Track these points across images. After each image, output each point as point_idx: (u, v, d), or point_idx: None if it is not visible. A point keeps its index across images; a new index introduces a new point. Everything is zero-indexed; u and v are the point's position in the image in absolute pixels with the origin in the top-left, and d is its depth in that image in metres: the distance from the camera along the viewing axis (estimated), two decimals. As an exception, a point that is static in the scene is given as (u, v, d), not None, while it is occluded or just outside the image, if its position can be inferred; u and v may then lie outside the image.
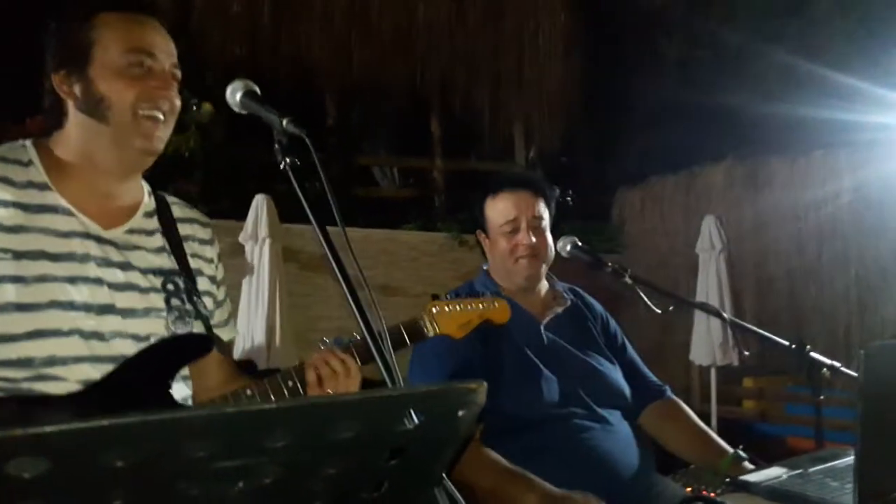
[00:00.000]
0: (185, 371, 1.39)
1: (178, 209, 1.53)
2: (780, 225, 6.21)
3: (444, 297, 1.77)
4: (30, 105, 1.60)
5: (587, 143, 8.67)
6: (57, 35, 1.38)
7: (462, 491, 1.10)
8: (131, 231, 1.40)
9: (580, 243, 2.10)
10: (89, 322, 1.28)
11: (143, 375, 1.29)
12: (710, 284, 5.91)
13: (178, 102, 1.40)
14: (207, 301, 1.48)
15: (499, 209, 2.15)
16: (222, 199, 5.80)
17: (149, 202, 1.47)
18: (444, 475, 0.76)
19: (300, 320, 5.26)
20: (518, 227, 2.11)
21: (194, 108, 6.01)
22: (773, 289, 6.33)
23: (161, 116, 1.36)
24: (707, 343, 5.83)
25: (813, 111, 5.93)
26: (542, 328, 2.13)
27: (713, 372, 6.01)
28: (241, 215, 4.84)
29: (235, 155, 5.96)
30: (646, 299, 1.92)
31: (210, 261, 1.53)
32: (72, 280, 1.28)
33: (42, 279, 1.26)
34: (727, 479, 1.55)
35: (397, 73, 7.57)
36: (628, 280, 1.94)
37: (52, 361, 1.25)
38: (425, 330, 1.68)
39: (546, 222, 2.16)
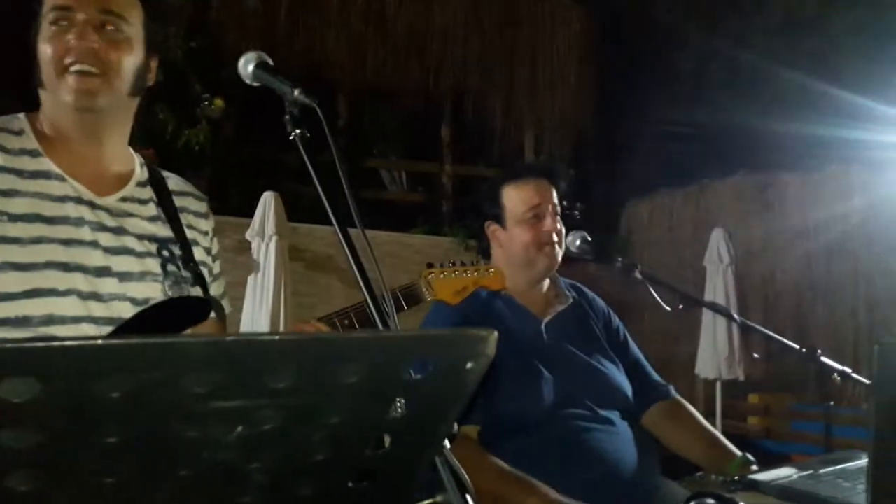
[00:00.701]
0: None
1: (173, 182, 1.53)
2: (789, 240, 6.17)
3: (438, 265, 1.77)
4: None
5: (597, 153, 8.65)
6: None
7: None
8: (124, 199, 1.41)
9: (589, 238, 2.06)
10: (86, 283, 1.28)
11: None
12: (717, 297, 5.87)
13: (112, 54, 1.33)
14: (204, 271, 1.47)
15: (521, 196, 2.08)
16: (231, 195, 5.81)
17: (141, 172, 1.47)
18: (447, 444, 0.74)
19: (304, 320, 5.24)
20: (542, 213, 2.05)
21: (206, 103, 6.03)
22: (780, 304, 6.30)
23: (87, 69, 1.31)
24: (713, 356, 5.79)
25: (826, 129, 5.91)
26: (542, 327, 2.07)
27: (718, 386, 5.97)
28: (249, 212, 4.84)
29: (245, 151, 5.97)
30: (656, 296, 1.89)
31: (205, 233, 1.53)
32: (67, 242, 1.29)
33: (38, 241, 1.27)
34: (736, 479, 1.51)
35: (410, 76, 7.57)
36: (638, 276, 1.91)
37: (50, 320, 1.25)
38: (422, 293, 1.68)
39: (559, 215, 2.12)
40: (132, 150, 1.49)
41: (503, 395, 1.90)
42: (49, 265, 1.26)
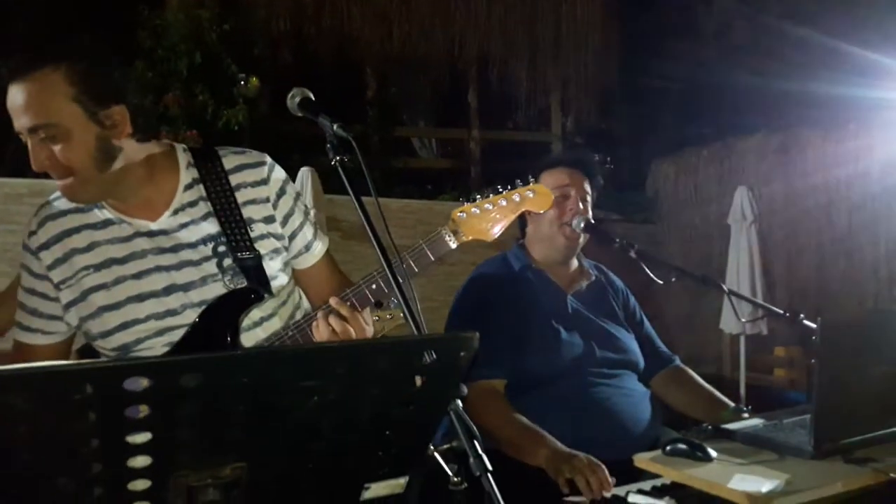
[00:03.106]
0: (256, 317, 1.59)
1: (228, 159, 1.60)
2: (811, 197, 6.28)
3: (471, 197, 1.64)
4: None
5: (623, 114, 8.76)
6: None
7: (486, 437, 1.34)
8: (175, 211, 1.56)
9: (593, 221, 2.31)
10: (159, 305, 1.53)
11: (208, 335, 1.53)
12: (741, 254, 6.05)
13: (60, 156, 1.41)
14: (267, 244, 1.58)
15: (552, 180, 2.34)
16: (269, 170, 6.08)
17: (186, 174, 1.58)
18: (455, 401, 1.02)
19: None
20: (568, 194, 2.32)
21: (242, 82, 6.28)
22: (803, 260, 6.43)
23: (54, 176, 1.44)
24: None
25: (846, 88, 5.96)
26: (568, 298, 2.37)
27: (742, 340, 6.18)
28: (287, 187, 5.11)
29: (281, 128, 6.23)
30: (649, 272, 2.15)
31: (266, 200, 1.60)
32: (138, 276, 1.54)
33: (118, 281, 1.53)
34: (709, 427, 1.78)
35: (436, 45, 7.73)
36: (633, 254, 2.16)
37: (140, 342, 1.53)
38: (447, 239, 1.59)
39: (591, 201, 2.39)
40: (175, 149, 1.60)
41: (529, 353, 2.21)
42: (129, 300, 1.53)
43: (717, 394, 2.35)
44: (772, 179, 6.53)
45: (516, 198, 1.63)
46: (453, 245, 1.59)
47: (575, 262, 2.48)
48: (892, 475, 1.47)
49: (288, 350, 0.74)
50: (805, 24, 7.09)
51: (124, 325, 1.53)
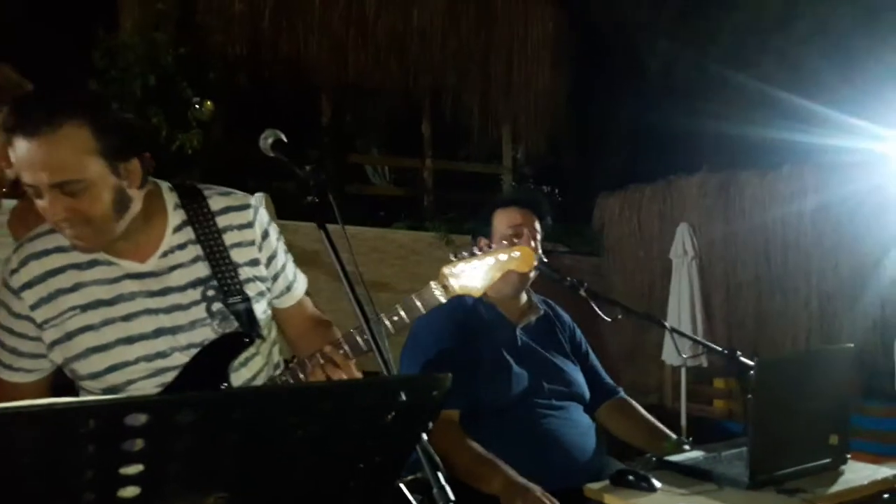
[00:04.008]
0: (241, 357, 1.60)
1: (214, 201, 1.62)
2: (748, 235, 6.56)
3: (458, 255, 1.71)
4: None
5: (572, 148, 9.00)
6: None
7: (443, 464, 1.41)
8: (164, 254, 1.57)
9: (544, 259, 2.42)
10: (149, 347, 1.53)
11: (200, 377, 1.54)
12: (682, 289, 6.28)
13: (82, 209, 1.41)
14: (253, 287, 1.60)
15: (506, 218, 2.46)
16: (221, 195, 6.06)
17: (174, 216, 1.58)
18: (422, 436, 1.09)
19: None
20: (521, 233, 2.42)
21: (196, 106, 6.26)
22: (741, 294, 6.70)
23: (69, 229, 1.44)
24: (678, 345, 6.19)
25: (781, 132, 6.30)
26: (517, 332, 2.47)
27: (683, 372, 6.39)
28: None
29: (235, 153, 6.23)
30: (597, 310, 2.26)
31: (251, 243, 1.62)
32: (126, 318, 1.53)
33: (105, 323, 1.53)
34: (654, 459, 1.88)
35: (391, 75, 7.86)
36: (583, 293, 2.27)
37: (131, 382, 1.53)
38: (437, 294, 1.66)
39: (539, 240, 2.50)
40: (160, 187, 1.59)
41: (481, 384, 2.30)
42: (118, 342, 1.52)
43: (659, 425, 2.48)
44: (712, 217, 6.80)
45: (503, 257, 1.72)
46: (443, 299, 1.68)
47: (524, 297, 2.58)
48: (819, 505, 1.59)
49: (282, 389, 0.80)
50: (745, 69, 7.46)
51: (114, 367, 1.53)
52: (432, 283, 1.68)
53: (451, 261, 1.70)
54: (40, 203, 1.43)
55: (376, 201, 8.41)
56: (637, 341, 6.91)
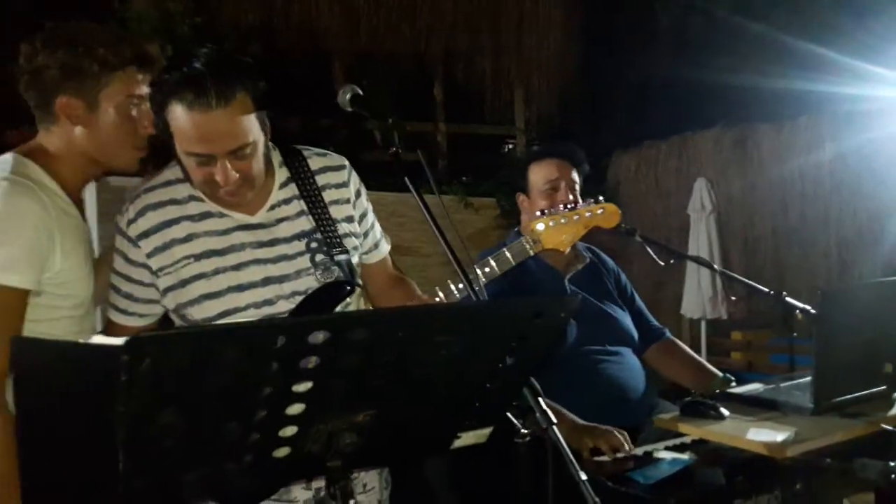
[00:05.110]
0: (339, 306, 1.64)
1: (314, 161, 1.72)
2: (766, 187, 6.60)
3: (546, 212, 1.78)
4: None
5: (584, 107, 8.99)
6: None
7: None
8: (272, 207, 1.66)
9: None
10: (257, 295, 1.62)
11: None
12: (700, 244, 6.34)
13: (249, 170, 1.52)
14: (349, 242, 1.69)
15: (542, 172, 2.50)
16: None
17: (280, 173, 1.68)
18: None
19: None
20: (558, 186, 2.47)
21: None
22: (759, 247, 6.75)
23: (233, 190, 1.54)
24: (697, 298, 6.26)
25: (797, 82, 6.29)
26: (566, 281, 2.54)
27: (703, 325, 6.48)
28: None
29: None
30: (652, 254, 2.32)
31: (347, 201, 1.72)
32: (237, 267, 1.61)
33: (217, 272, 1.61)
34: (717, 392, 1.97)
35: (403, 40, 7.85)
36: (638, 238, 2.34)
37: None
38: (527, 247, 1.74)
39: (579, 189, 2.55)
40: (273, 151, 1.67)
41: None
42: (229, 289, 1.61)
43: (707, 364, 2.56)
44: (729, 171, 6.83)
45: (588, 214, 1.79)
46: (531, 252, 1.77)
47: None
48: (882, 425, 1.68)
49: (437, 307, 0.87)
50: (757, 20, 7.41)
51: (226, 313, 1.61)
52: (523, 238, 1.75)
53: (541, 216, 1.76)
54: (204, 171, 1.51)
55: (391, 167, 8.42)
56: (656, 297, 6.98)
